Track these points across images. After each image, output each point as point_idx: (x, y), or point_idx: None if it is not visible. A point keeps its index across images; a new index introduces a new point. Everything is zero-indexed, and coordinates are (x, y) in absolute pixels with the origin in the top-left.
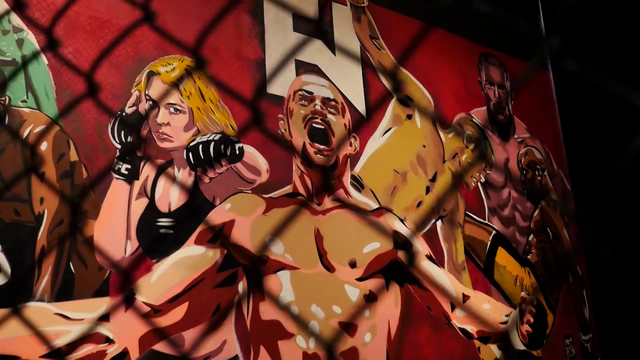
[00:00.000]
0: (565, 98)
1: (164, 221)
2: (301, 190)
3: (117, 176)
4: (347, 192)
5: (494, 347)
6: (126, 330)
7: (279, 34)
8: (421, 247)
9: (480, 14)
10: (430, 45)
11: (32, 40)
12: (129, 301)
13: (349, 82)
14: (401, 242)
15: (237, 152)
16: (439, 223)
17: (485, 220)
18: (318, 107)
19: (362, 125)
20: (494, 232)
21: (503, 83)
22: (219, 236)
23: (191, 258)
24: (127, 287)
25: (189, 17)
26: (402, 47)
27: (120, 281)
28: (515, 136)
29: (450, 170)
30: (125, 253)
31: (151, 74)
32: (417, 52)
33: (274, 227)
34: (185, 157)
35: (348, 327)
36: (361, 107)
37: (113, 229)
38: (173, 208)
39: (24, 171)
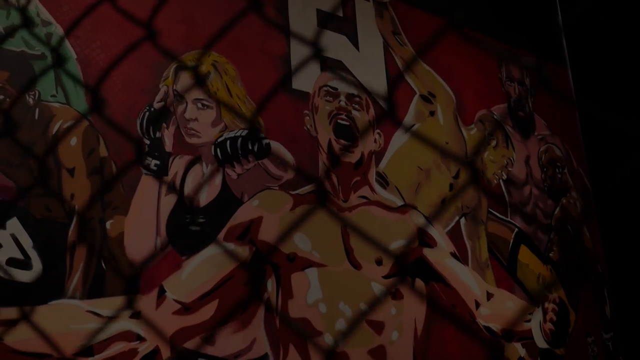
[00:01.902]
0: (584, 95)
1: (193, 218)
2: (327, 186)
3: (146, 172)
4: (372, 189)
5: (518, 346)
6: (157, 328)
7: (304, 29)
8: (445, 244)
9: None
10: (451, 42)
11: (60, 34)
12: (159, 298)
13: (373, 78)
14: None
15: (264, 148)
16: (462, 220)
17: (507, 217)
18: (343, 103)
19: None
20: (516, 229)
21: (523, 80)
22: (247, 233)
23: (220, 255)
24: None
25: (217, 12)
26: (424, 43)
27: (150, 278)
28: (536, 133)
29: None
30: (155, 250)
31: (179, 69)
32: (438, 48)
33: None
34: (213, 153)
35: (375, 325)
36: (385, 103)
37: (143, 225)
38: (202, 204)
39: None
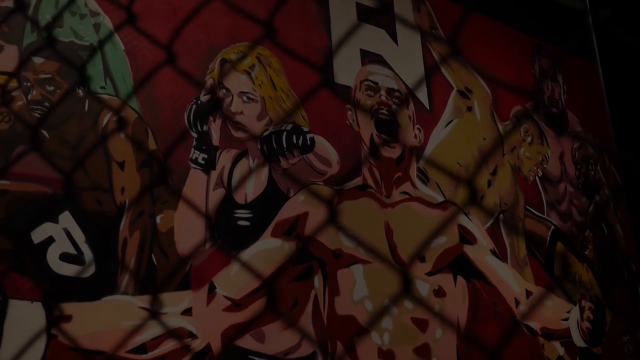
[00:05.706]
0: (614, 89)
1: (241, 213)
2: (370, 182)
3: (194, 166)
4: (413, 185)
5: (557, 344)
6: (208, 325)
7: (344, 23)
8: (485, 241)
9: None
10: (484, 38)
11: (108, 24)
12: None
13: (412, 72)
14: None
15: (309, 142)
16: (500, 217)
17: (544, 214)
18: (383, 98)
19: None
20: (552, 227)
21: (556, 76)
22: (294, 229)
23: (268, 251)
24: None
25: (261, 5)
26: (458, 38)
27: (201, 274)
28: (569, 129)
29: (510, 164)
30: (205, 245)
31: (224, 62)
32: (472, 44)
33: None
34: (259, 147)
35: (420, 322)
36: (423, 98)
37: (192, 220)
38: (249, 199)
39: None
